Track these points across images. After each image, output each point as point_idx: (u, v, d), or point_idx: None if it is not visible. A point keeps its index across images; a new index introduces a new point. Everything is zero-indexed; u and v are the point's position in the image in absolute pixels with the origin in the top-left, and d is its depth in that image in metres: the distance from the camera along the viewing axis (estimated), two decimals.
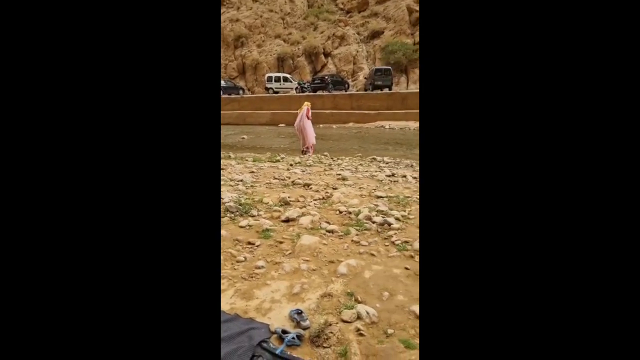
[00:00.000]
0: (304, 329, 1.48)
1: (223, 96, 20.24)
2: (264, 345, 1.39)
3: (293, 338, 1.40)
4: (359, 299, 1.71)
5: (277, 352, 1.34)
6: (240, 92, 21.82)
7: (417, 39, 21.56)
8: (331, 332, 1.43)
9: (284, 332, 1.45)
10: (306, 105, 7.63)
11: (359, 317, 1.56)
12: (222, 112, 18.29)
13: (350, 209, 2.97)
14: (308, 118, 7.51)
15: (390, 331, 1.48)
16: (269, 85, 21.05)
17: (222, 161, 5.94)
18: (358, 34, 24.09)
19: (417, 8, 22.01)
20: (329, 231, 2.53)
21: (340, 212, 2.95)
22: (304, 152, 7.58)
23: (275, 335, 1.45)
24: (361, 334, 1.46)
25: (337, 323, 1.50)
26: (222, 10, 27.68)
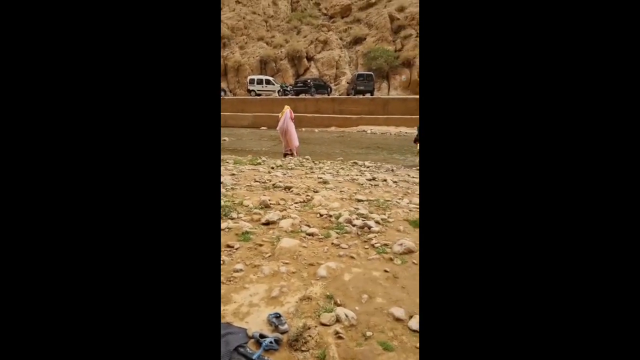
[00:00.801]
0: (283, 332, 1.46)
1: None
2: (241, 350, 1.36)
3: (271, 342, 1.38)
4: (339, 301, 1.70)
5: (254, 357, 1.31)
6: (222, 93, 21.55)
7: (398, 46, 22.00)
8: (310, 336, 1.42)
9: (262, 336, 1.42)
10: (287, 108, 7.61)
11: (338, 320, 1.55)
12: None
13: (331, 212, 2.97)
14: (292, 120, 7.49)
15: (369, 334, 1.48)
16: (251, 88, 20.91)
17: None
18: (341, 39, 24.33)
19: (399, 16, 22.48)
20: (309, 234, 2.52)
21: (321, 215, 2.95)
22: (285, 155, 7.53)
23: (252, 340, 1.43)
24: (340, 337, 1.45)
25: (315, 326, 1.48)
26: None
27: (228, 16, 25.92)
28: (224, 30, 24.89)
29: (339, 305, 1.68)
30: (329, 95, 19.79)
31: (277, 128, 7.61)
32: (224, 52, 24.88)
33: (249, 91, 20.98)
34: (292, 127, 7.50)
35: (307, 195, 3.58)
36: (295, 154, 7.56)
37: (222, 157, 6.95)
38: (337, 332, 1.48)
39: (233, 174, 4.70)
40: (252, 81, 21.04)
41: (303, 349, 1.38)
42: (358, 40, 23.58)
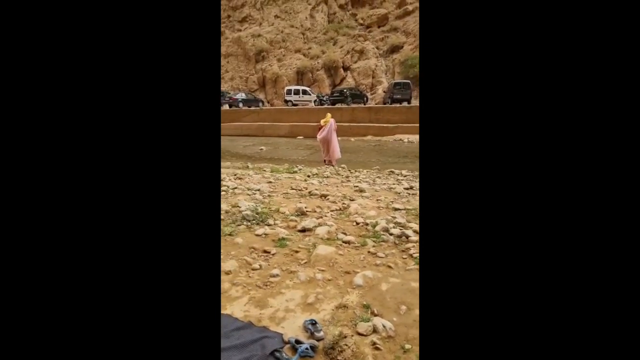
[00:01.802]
0: (318, 340, 1.45)
1: (243, 108, 20.65)
2: (277, 354, 1.36)
3: (306, 349, 1.37)
4: (375, 311, 1.66)
5: None
6: (260, 104, 22.25)
7: None
8: (346, 345, 1.39)
9: (298, 342, 1.42)
10: (330, 117, 7.60)
11: (375, 331, 1.51)
12: (243, 123, 18.72)
13: (368, 221, 2.93)
14: (335, 131, 7.55)
15: (407, 346, 1.42)
16: (288, 98, 21.38)
17: (241, 171, 6.03)
18: (377, 48, 24.29)
19: None
20: (345, 242, 2.50)
21: (357, 224, 2.91)
22: (326, 162, 7.58)
23: (288, 345, 1.42)
24: (377, 348, 1.41)
25: (352, 335, 1.45)
26: (244, 27, 28.64)
27: (267, 30, 26.91)
28: (263, 44, 25.87)
29: (375, 315, 1.63)
30: (365, 104, 19.74)
31: (319, 136, 7.61)
32: (263, 65, 25.79)
33: (286, 101, 21.46)
34: (335, 138, 7.55)
35: (343, 204, 3.57)
36: (334, 164, 7.58)
37: (260, 165, 7.14)
38: (374, 343, 1.44)
39: (270, 182, 4.80)
40: (289, 92, 21.53)
41: (339, 357, 1.35)
42: (395, 49, 23.40)
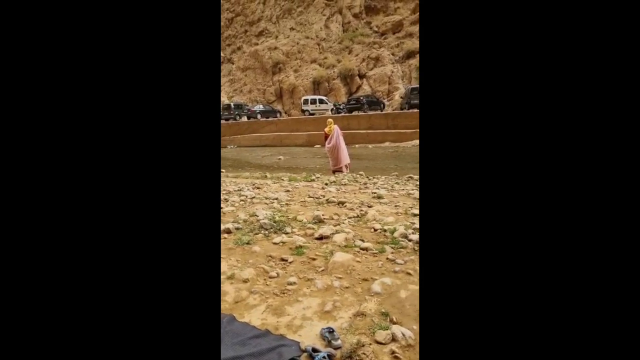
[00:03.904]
0: (336, 348, 1.42)
1: (262, 119, 21.00)
2: None
3: (324, 357, 1.35)
4: (394, 319, 1.62)
5: None
6: (278, 115, 22.57)
7: None
8: (364, 354, 1.36)
9: (315, 350, 1.40)
10: (332, 123, 7.52)
11: (394, 339, 1.47)
12: (261, 134, 19.04)
13: (386, 227, 2.89)
14: (341, 136, 7.52)
15: None
16: (305, 108, 21.62)
17: (260, 181, 6.10)
18: (393, 54, 24.25)
19: None
20: (363, 249, 2.46)
21: (375, 230, 2.87)
22: (335, 172, 7.50)
23: (305, 354, 1.41)
24: (396, 357, 1.37)
25: (370, 344, 1.42)
26: (261, 40, 29.32)
27: (283, 42, 27.44)
28: (280, 56, 26.36)
29: (395, 323, 1.59)
30: (382, 110, 19.66)
31: (328, 145, 7.55)
32: (280, 77, 26.23)
33: (303, 111, 21.70)
34: (342, 143, 7.50)
35: (361, 210, 3.53)
36: (346, 171, 7.51)
37: (278, 175, 7.21)
38: (393, 352, 1.40)
39: (288, 191, 4.83)
40: (305, 101, 21.77)
41: None
42: (411, 54, 23.28)
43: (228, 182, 5.84)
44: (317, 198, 4.22)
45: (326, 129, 7.69)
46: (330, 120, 7.92)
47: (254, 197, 4.30)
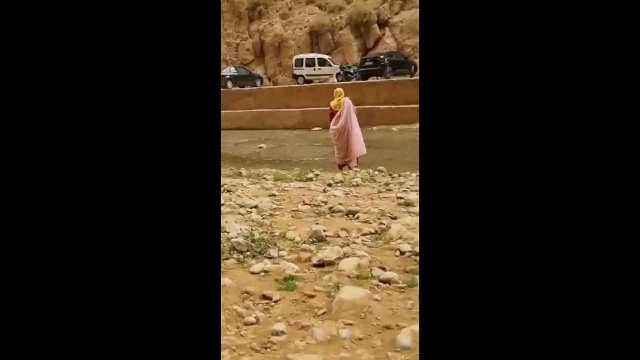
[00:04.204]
0: None
1: (233, 89, 20.93)
2: None
3: None
4: None
5: None
6: (258, 82, 22.60)
7: None
8: None
9: None
10: (343, 95, 7.40)
11: None
12: (233, 111, 19.11)
13: (417, 249, 2.90)
14: (355, 113, 7.41)
15: None
16: (298, 72, 21.69)
17: (231, 180, 6.12)
18: None
19: None
20: (383, 281, 2.48)
21: (402, 253, 2.90)
22: (342, 167, 7.47)
23: None
24: None
25: None
26: None
27: None
28: None
29: None
30: (412, 76, 19.71)
31: (334, 127, 7.47)
32: (260, 25, 26.24)
33: (295, 77, 21.77)
34: (356, 124, 7.40)
35: (381, 224, 3.56)
36: (357, 164, 7.46)
37: (258, 171, 7.23)
38: None
39: (273, 195, 4.86)
40: (299, 62, 21.82)
41: None
42: None
43: None
44: (316, 206, 4.25)
45: (332, 103, 7.58)
46: (339, 90, 7.73)
47: (222, 205, 4.31)
